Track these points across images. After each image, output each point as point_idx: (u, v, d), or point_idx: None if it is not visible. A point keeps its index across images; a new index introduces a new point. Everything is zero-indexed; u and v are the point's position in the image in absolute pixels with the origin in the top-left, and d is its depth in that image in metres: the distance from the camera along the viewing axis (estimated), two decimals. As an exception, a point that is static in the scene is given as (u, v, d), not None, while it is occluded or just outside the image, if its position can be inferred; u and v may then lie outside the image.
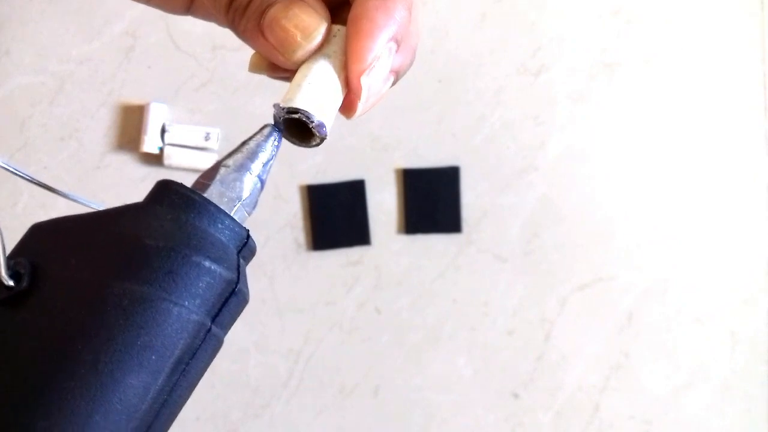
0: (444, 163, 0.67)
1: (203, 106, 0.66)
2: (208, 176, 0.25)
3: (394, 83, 0.27)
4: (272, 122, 0.26)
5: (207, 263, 0.23)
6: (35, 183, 0.27)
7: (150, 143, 0.64)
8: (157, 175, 0.66)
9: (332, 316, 0.67)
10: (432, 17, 0.67)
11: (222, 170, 0.25)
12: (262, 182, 0.26)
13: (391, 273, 0.67)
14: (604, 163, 0.68)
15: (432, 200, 0.66)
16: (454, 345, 0.67)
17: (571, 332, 0.67)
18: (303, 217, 0.66)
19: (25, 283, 0.22)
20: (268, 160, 0.26)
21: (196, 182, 0.25)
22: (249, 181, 0.26)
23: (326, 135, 0.25)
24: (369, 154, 0.67)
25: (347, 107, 0.26)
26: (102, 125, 0.66)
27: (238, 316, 0.25)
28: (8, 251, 0.24)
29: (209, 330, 0.23)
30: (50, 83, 0.66)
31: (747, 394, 0.68)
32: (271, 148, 0.26)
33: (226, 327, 0.24)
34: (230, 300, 0.24)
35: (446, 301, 0.67)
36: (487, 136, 0.67)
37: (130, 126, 0.66)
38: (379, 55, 0.25)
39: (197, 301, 0.22)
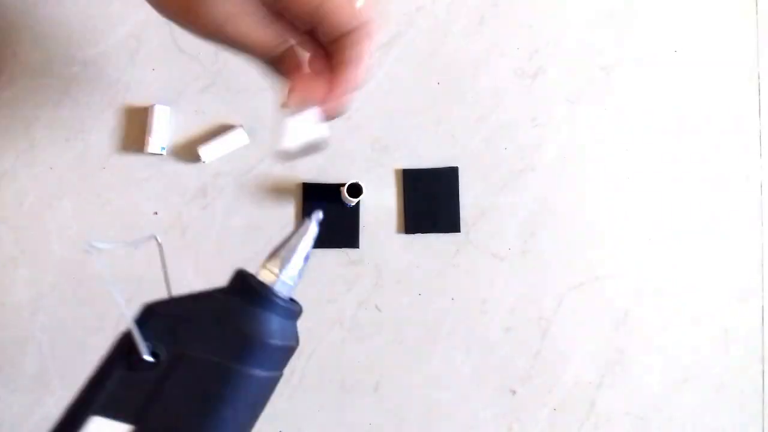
0: (443, 164, 0.68)
1: (206, 108, 0.67)
2: (269, 272, 0.35)
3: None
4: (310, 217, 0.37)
5: (294, 346, 0.34)
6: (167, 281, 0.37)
7: (154, 144, 0.65)
8: (161, 176, 0.67)
9: (333, 314, 0.67)
10: (431, 20, 0.68)
11: (283, 271, 0.35)
12: (306, 264, 0.36)
13: (391, 272, 0.68)
14: (600, 163, 0.68)
15: (431, 200, 0.67)
16: (453, 342, 0.68)
17: (567, 330, 0.68)
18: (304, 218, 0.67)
19: (163, 358, 0.30)
20: (311, 248, 0.36)
21: (265, 274, 0.35)
22: (297, 268, 0.36)
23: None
24: (369, 155, 0.67)
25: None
26: (107, 126, 0.67)
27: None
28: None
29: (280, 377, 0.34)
30: (56, 85, 0.66)
31: (741, 392, 0.69)
32: (311, 239, 0.36)
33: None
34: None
35: (445, 299, 0.68)
36: (486, 137, 0.68)
37: (134, 127, 0.67)
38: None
39: (284, 367, 0.34)
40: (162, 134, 0.65)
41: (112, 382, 0.30)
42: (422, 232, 0.68)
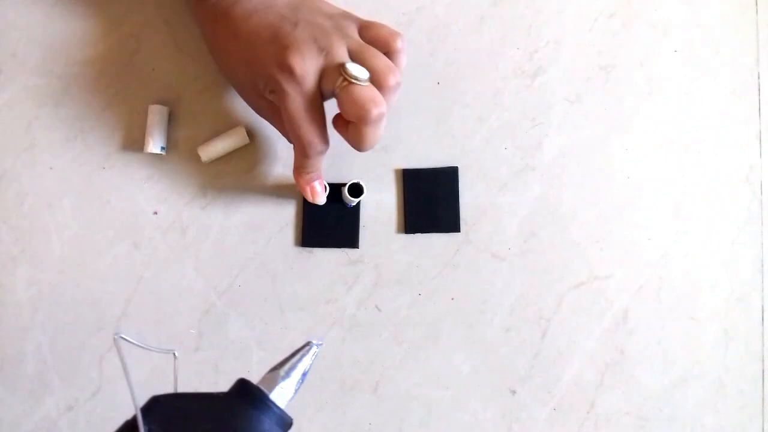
0: (443, 164, 0.68)
1: (206, 108, 0.67)
2: (271, 381, 0.40)
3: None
4: (312, 340, 0.43)
5: None
6: (155, 350, 0.42)
7: (154, 144, 0.65)
8: (161, 175, 0.67)
9: (333, 313, 0.67)
10: (431, 20, 0.68)
11: (281, 383, 0.40)
12: (302, 382, 0.42)
13: (390, 272, 0.68)
14: (600, 163, 0.69)
15: (431, 200, 0.67)
16: (453, 342, 0.68)
17: (567, 330, 0.68)
18: (304, 217, 0.67)
19: None
20: (309, 368, 0.42)
21: (265, 383, 0.40)
22: (294, 384, 0.41)
23: None
24: (369, 155, 0.68)
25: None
26: (107, 126, 0.67)
27: None
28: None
29: None
30: (56, 85, 0.67)
31: (741, 391, 0.69)
32: (310, 360, 0.42)
33: None
34: None
35: (445, 299, 0.68)
36: (485, 137, 0.68)
37: (134, 127, 0.67)
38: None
39: None
40: (162, 134, 0.65)
41: None
42: (422, 232, 0.68)
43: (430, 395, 0.68)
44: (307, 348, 0.42)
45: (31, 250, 0.67)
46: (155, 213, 0.67)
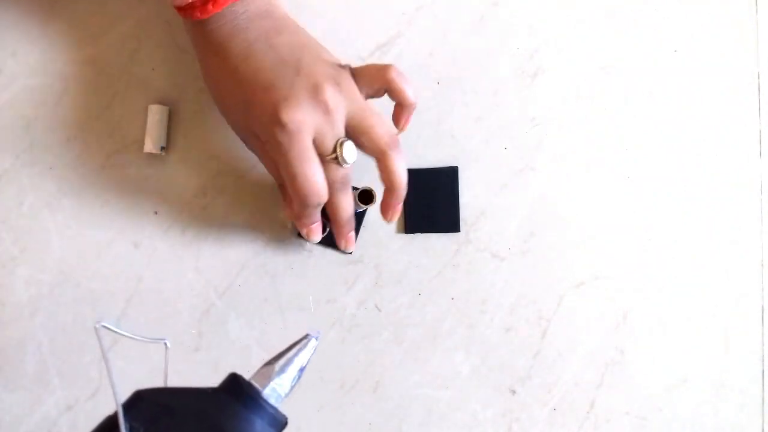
0: (443, 164, 0.68)
1: (206, 108, 0.67)
2: (264, 377, 0.38)
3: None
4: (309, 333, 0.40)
5: None
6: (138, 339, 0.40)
7: (154, 144, 0.65)
8: (160, 175, 0.67)
9: (333, 313, 0.68)
10: (431, 20, 0.68)
11: (275, 378, 0.38)
12: (299, 378, 0.39)
13: (390, 271, 0.68)
14: (600, 163, 0.69)
15: (431, 200, 0.67)
16: (453, 342, 0.68)
17: (567, 330, 0.68)
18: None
19: None
20: (307, 362, 0.39)
21: (258, 379, 0.38)
22: (290, 379, 0.38)
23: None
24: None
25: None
26: (107, 126, 0.67)
27: None
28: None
29: None
30: (56, 84, 0.67)
31: (741, 392, 0.69)
32: (308, 354, 0.39)
33: None
34: None
35: (445, 299, 0.68)
36: (485, 137, 0.68)
37: (134, 127, 0.67)
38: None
39: None
40: (161, 134, 0.65)
41: None
42: (422, 232, 0.68)
43: (429, 395, 0.68)
44: (305, 341, 0.39)
45: (31, 250, 0.67)
46: (155, 213, 0.67)
